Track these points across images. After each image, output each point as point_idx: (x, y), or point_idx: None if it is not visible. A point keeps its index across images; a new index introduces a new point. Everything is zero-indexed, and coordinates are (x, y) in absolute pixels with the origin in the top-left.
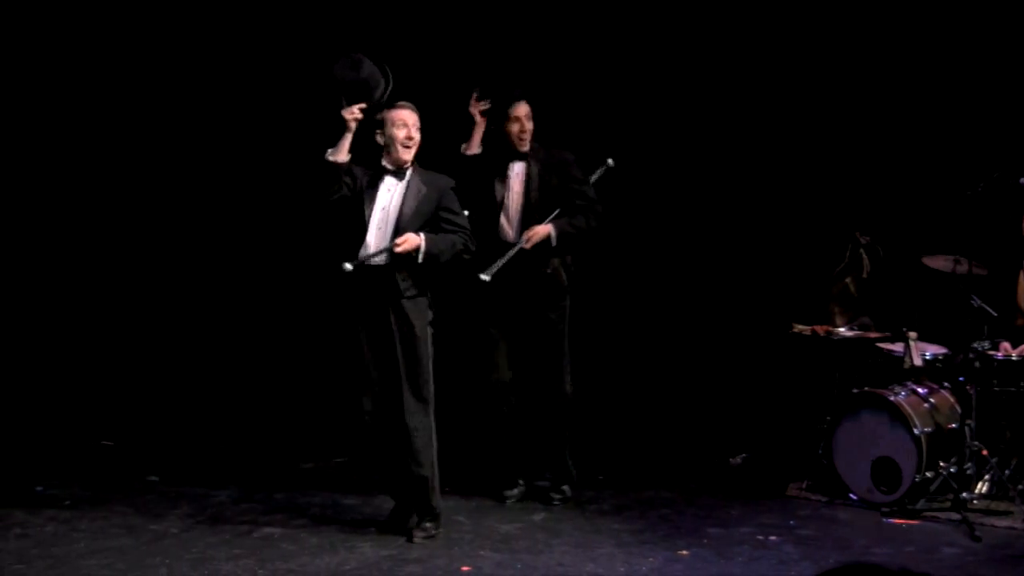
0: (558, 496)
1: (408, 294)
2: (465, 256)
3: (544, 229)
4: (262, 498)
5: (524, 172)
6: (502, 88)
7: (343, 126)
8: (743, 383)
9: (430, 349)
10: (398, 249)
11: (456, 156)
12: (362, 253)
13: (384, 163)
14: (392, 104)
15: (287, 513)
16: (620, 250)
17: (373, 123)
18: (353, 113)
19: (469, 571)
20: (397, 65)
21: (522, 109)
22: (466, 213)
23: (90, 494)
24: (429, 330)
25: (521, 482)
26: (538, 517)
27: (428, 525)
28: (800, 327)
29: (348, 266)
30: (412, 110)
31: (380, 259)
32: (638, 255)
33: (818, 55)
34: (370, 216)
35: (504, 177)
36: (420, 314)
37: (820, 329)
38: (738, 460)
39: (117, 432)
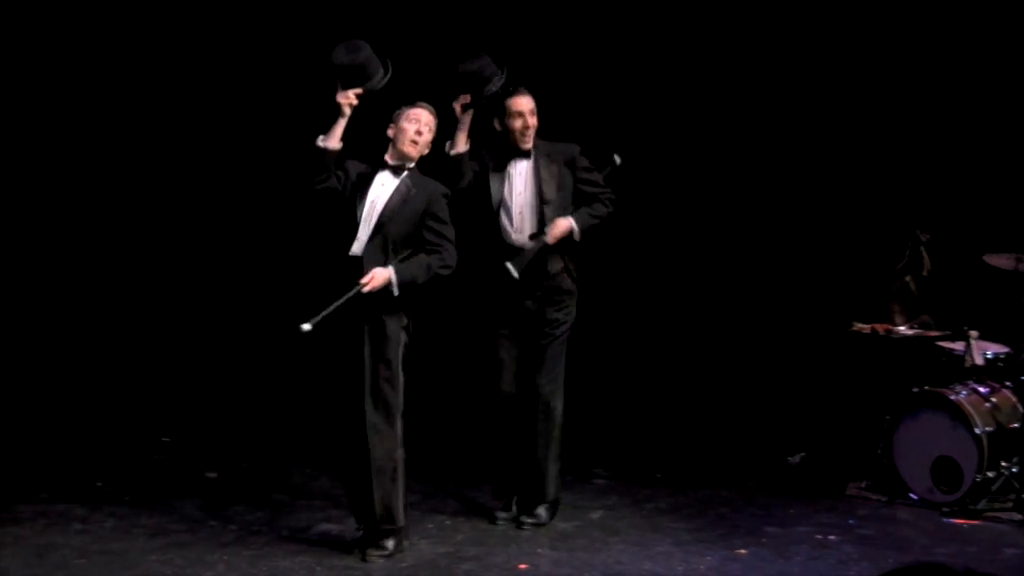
0: (530, 520)
1: (385, 308)
2: (444, 273)
3: (567, 222)
4: (320, 496)
5: (531, 170)
6: (497, 82)
7: (337, 112)
8: (803, 382)
9: (400, 364)
10: (365, 289)
11: (441, 157)
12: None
13: (387, 158)
14: (412, 103)
15: (344, 511)
16: (684, 245)
17: (387, 116)
18: (348, 98)
19: (526, 568)
20: (398, 62)
21: (525, 104)
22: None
23: (150, 490)
24: (402, 348)
25: (515, 505)
26: (596, 515)
27: (388, 543)
28: (860, 325)
29: (306, 327)
30: (430, 111)
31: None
32: (704, 250)
33: (881, 49)
34: (361, 210)
35: (503, 175)
36: (395, 329)
37: (880, 328)
38: (797, 459)
39: (176, 428)
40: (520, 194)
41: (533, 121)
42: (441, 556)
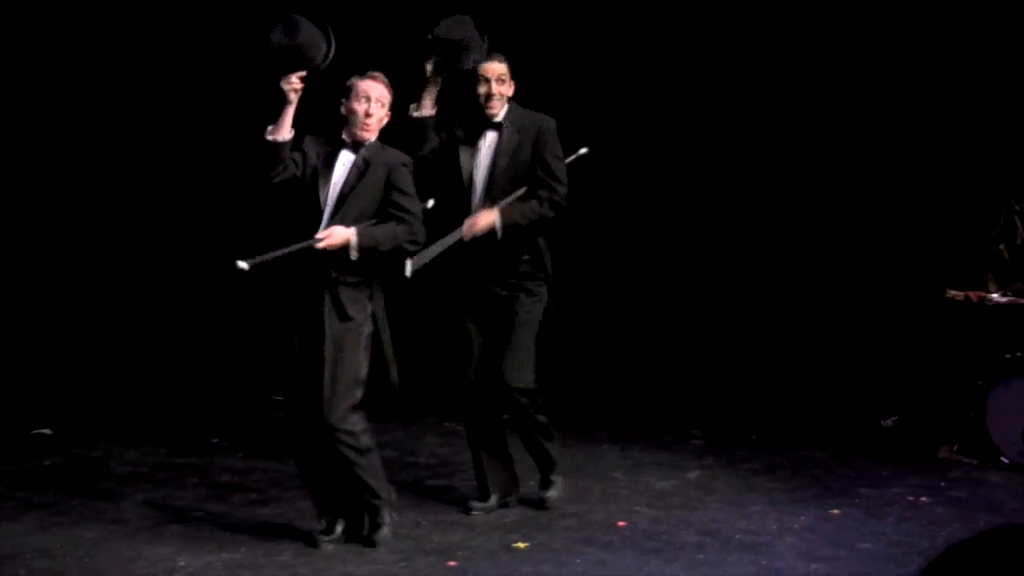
0: (552, 493)
1: (346, 280)
2: (410, 247)
3: (488, 219)
4: (430, 448)
5: (495, 143)
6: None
7: (283, 99)
8: (897, 347)
9: (366, 342)
10: (320, 245)
11: (404, 120)
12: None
13: (343, 136)
14: (364, 73)
15: (454, 464)
16: (792, 212)
17: (341, 90)
18: (291, 83)
19: (625, 526)
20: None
21: (493, 70)
22: (431, 203)
23: (263, 446)
24: (368, 323)
25: (494, 497)
26: (692, 475)
27: (383, 516)
28: (953, 292)
29: (243, 264)
30: (382, 83)
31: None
32: (810, 219)
33: (974, 14)
34: (325, 195)
35: (474, 149)
36: (359, 303)
37: (973, 295)
38: (890, 423)
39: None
40: (486, 167)
41: (500, 89)
42: (543, 513)
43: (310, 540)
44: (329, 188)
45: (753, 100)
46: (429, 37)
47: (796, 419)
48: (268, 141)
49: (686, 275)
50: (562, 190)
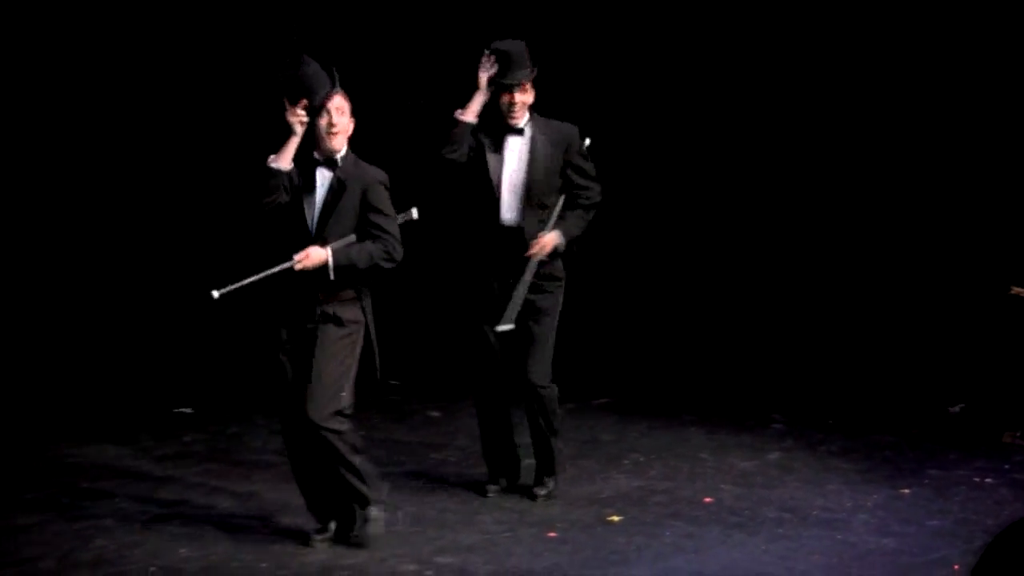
0: (543, 491)
1: (339, 298)
2: (386, 264)
3: (551, 241)
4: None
5: (526, 147)
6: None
7: (288, 131)
8: (964, 340)
9: (356, 349)
10: (298, 267)
11: (447, 119)
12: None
13: (315, 154)
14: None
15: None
16: (870, 208)
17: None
18: (297, 115)
19: (711, 502)
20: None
21: (515, 78)
22: (415, 213)
23: (383, 425)
24: (361, 332)
25: (503, 480)
26: (773, 456)
27: (371, 511)
28: (1018, 289)
29: (216, 294)
30: (337, 93)
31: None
32: (885, 218)
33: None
34: (311, 216)
35: (500, 155)
36: (352, 313)
37: None
38: (957, 409)
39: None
40: (513, 172)
41: (523, 98)
42: (635, 489)
43: (304, 539)
44: (314, 209)
45: (821, 90)
46: (488, 50)
47: (869, 405)
48: (270, 168)
49: (772, 271)
50: (598, 188)
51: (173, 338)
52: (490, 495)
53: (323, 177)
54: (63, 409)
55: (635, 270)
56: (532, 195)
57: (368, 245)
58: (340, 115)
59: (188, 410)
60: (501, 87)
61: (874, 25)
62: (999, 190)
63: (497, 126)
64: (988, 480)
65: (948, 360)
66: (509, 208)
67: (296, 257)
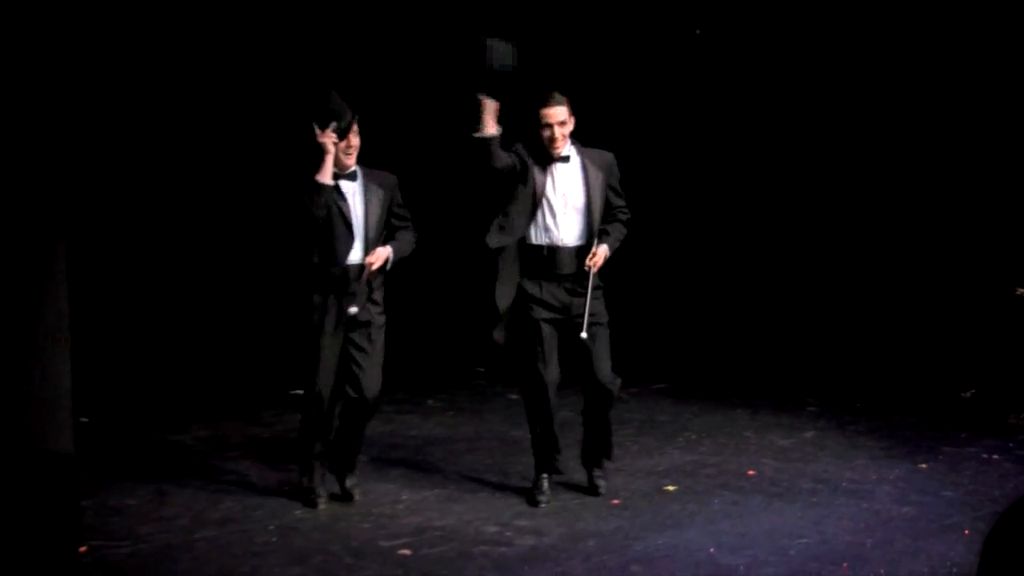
0: (603, 483)
1: (376, 294)
2: (413, 248)
3: (604, 253)
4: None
5: (579, 174)
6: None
7: (320, 149)
8: (976, 333)
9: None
10: (375, 267)
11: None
12: (354, 288)
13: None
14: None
15: (618, 423)
16: (888, 213)
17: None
18: (328, 136)
19: (754, 474)
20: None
21: (555, 115)
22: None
23: (470, 406)
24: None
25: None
26: (808, 434)
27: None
28: (1022, 290)
29: (354, 309)
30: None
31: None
32: (904, 225)
33: None
34: (355, 222)
35: (546, 175)
36: (380, 294)
37: None
38: (968, 395)
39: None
40: (564, 196)
41: (562, 131)
42: (688, 463)
43: (310, 502)
44: (353, 216)
45: (846, 87)
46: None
47: (892, 391)
48: (320, 184)
49: (810, 276)
50: (628, 212)
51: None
52: (541, 504)
53: (349, 188)
54: (197, 390)
55: (690, 271)
56: (592, 216)
57: (404, 235)
58: (356, 137)
59: (300, 392)
60: (539, 121)
61: (877, 25)
62: (1008, 193)
63: (542, 154)
64: (995, 457)
65: (961, 352)
66: (558, 228)
67: (368, 259)
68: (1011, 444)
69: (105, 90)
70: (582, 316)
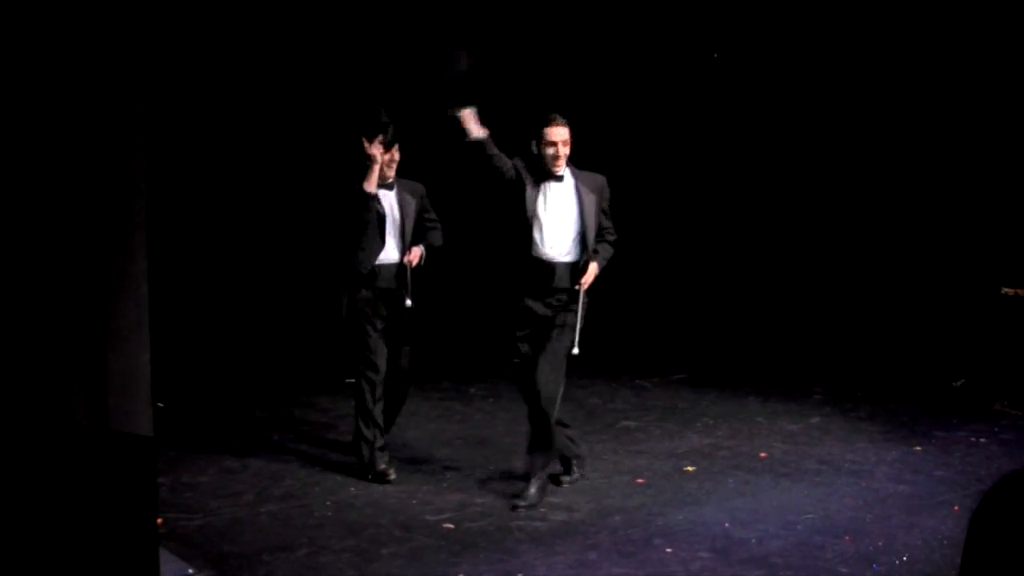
0: (568, 478)
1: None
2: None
3: (594, 270)
4: (625, 398)
5: (572, 194)
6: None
7: (368, 160)
8: (965, 328)
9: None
10: (413, 264)
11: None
12: (390, 283)
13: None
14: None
15: (642, 410)
16: (890, 215)
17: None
18: (379, 149)
19: (765, 456)
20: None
21: (559, 134)
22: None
23: (509, 394)
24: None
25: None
26: (814, 420)
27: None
28: (1007, 289)
29: (409, 302)
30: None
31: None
32: (901, 232)
33: None
34: (397, 225)
35: (540, 193)
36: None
37: (1023, 291)
38: (959, 383)
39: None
40: (558, 214)
41: (565, 151)
42: (705, 446)
43: (382, 478)
44: (395, 220)
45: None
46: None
47: (891, 380)
48: (370, 193)
49: (816, 278)
50: (614, 233)
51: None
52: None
53: (386, 197)
54: (260, 378)
55: (708, 272)
56: (585, 236)
57: (434, 234)
58: (397, 152)
59: (353, 380)
60: (542, 139)
61: (877, 26)
62: (996, 198)
63: (538, 172)
64: (982, 440)
65: (952, 345)
66: (551, 246)
67: (408, 258)
68: (996, 428)
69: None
70: (571, 328)
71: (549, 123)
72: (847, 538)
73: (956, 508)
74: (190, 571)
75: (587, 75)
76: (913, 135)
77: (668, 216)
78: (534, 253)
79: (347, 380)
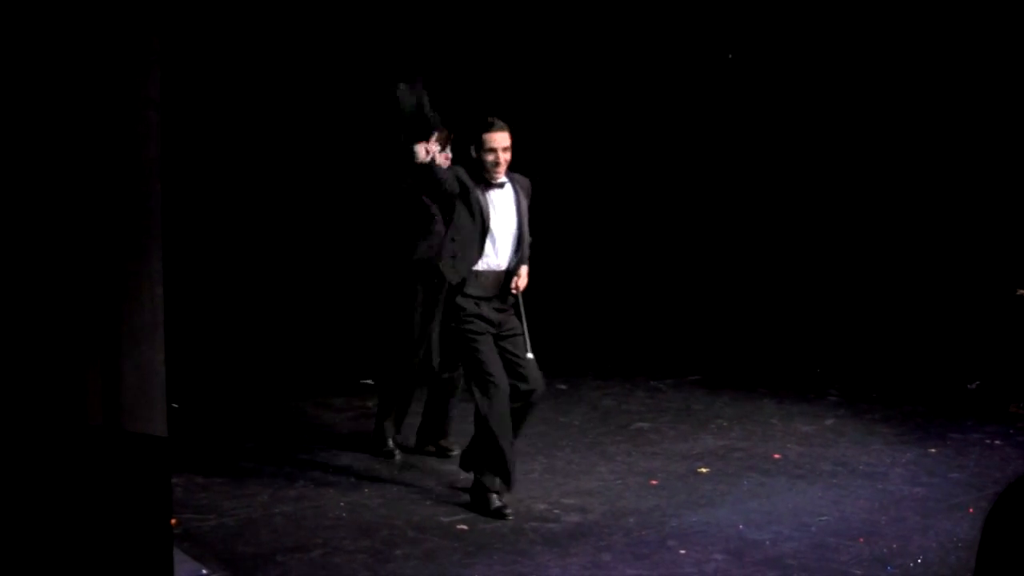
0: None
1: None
2: None
3: (526, 273)
4: (639, 399)
5: (512, 200)
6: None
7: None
8: (981, 332)
9: None
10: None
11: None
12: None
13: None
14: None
15: (656, 411)
16: (904, 218)
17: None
18: (436, 147)
19: (779, 458)
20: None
21: (499, 140)
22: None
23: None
24: None
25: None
26: (829, 422)
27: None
28: (1022, 291)
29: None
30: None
31: None
32: (916, 234)
33: None
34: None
35: (486, 200)
36: None
37: None
38: (974, 386)
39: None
40: (502, 221)
41: (506, 156)
42: (720, 447)
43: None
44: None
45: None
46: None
47: (905, 382)
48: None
49: (831, 281)
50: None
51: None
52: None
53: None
54: (274, 379)
55: (724, 274)
56: (521, 240)
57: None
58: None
59: (370, 381)
60: (483, 145)
61: (877, 26)
62: (1010, 199)
63: (479, 179)
64: (997, 442)
65: (967, 347)
66: (497, 254)
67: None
68: (1012, 431)
69: (193, 86)
70: (520, 335)
71: (490, 128)
72: (861, 540)
73: (971, 510)
74: (204, 571)
75: (602, 78)
76: (928, 135)
77: (683, 217)
78: (482, 263)
79: (363, 380)
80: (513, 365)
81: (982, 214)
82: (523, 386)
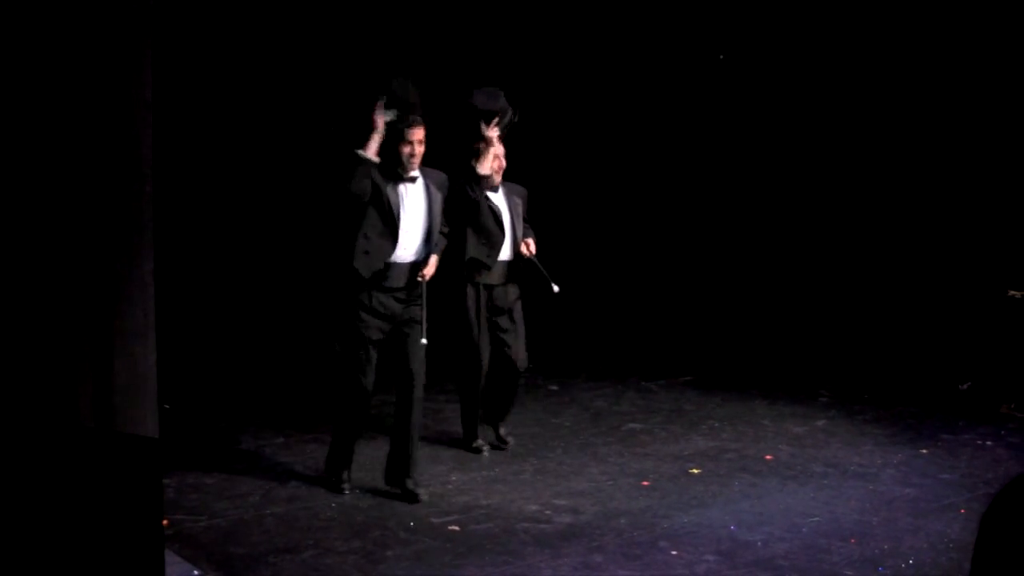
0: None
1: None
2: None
3: (435, 262)
4: (631, 400)
5: (423, 194)
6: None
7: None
8: (972, 333)
9: None
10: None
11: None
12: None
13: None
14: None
15: (648, 412)
16: (902, 222)
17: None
18: (495, 132)
19: (771, 459)
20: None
21: (418, 133)
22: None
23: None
24: None
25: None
26: (820, 423)
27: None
28: (1014, 292)
29: (556, 288)
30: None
31: None
32: (907, 236)
33: None
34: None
35: (397, 194)
36: None
37: None
38: (965, 386)
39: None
40: (412, 215)
41: (421, 149)
42: (711, 448)
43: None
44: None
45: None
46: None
47: (897, 383)
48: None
49: (821, 283)
50: (445, 227)
51: None
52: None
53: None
54: (266, 380)
55: (715, 276)
56: (431, 234)
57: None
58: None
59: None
60: (401, 137)
61: (877, 25)
62: (1001, 201)
63: (391, 171)
64: (988, 443)
65: (958, 348)
66: (404, 247)
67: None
68: (1003, 431)
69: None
70: (419, 323)
71: (409, 122)
72: (853, 541)
73: (962, 511)
74: (196, 572)
75: (593, 78)
76: (919, 138)
77: (675, 218)
78: (392, 256)
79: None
80: (405, 357)
81: (973, 216)
82: (408, 381)
